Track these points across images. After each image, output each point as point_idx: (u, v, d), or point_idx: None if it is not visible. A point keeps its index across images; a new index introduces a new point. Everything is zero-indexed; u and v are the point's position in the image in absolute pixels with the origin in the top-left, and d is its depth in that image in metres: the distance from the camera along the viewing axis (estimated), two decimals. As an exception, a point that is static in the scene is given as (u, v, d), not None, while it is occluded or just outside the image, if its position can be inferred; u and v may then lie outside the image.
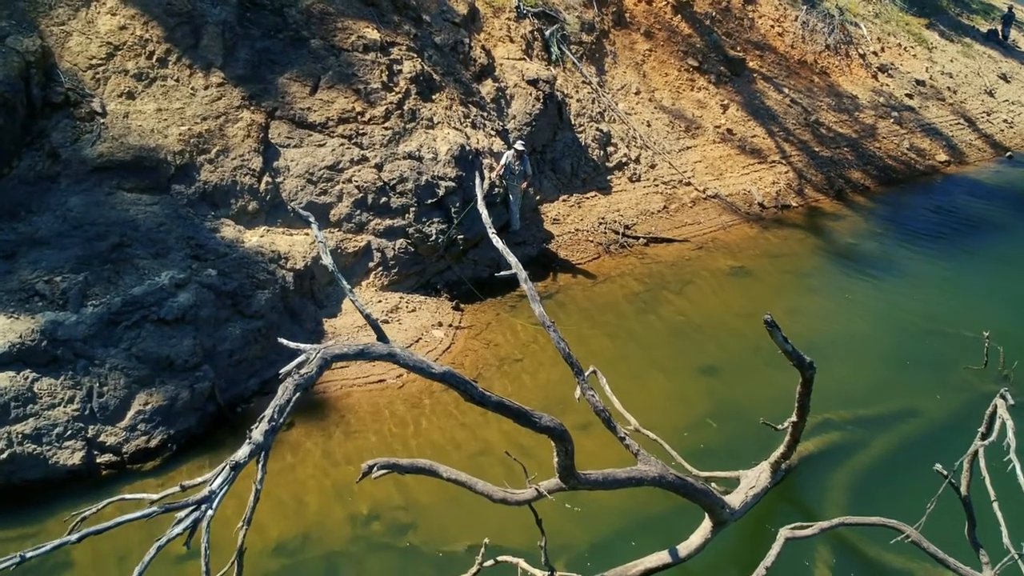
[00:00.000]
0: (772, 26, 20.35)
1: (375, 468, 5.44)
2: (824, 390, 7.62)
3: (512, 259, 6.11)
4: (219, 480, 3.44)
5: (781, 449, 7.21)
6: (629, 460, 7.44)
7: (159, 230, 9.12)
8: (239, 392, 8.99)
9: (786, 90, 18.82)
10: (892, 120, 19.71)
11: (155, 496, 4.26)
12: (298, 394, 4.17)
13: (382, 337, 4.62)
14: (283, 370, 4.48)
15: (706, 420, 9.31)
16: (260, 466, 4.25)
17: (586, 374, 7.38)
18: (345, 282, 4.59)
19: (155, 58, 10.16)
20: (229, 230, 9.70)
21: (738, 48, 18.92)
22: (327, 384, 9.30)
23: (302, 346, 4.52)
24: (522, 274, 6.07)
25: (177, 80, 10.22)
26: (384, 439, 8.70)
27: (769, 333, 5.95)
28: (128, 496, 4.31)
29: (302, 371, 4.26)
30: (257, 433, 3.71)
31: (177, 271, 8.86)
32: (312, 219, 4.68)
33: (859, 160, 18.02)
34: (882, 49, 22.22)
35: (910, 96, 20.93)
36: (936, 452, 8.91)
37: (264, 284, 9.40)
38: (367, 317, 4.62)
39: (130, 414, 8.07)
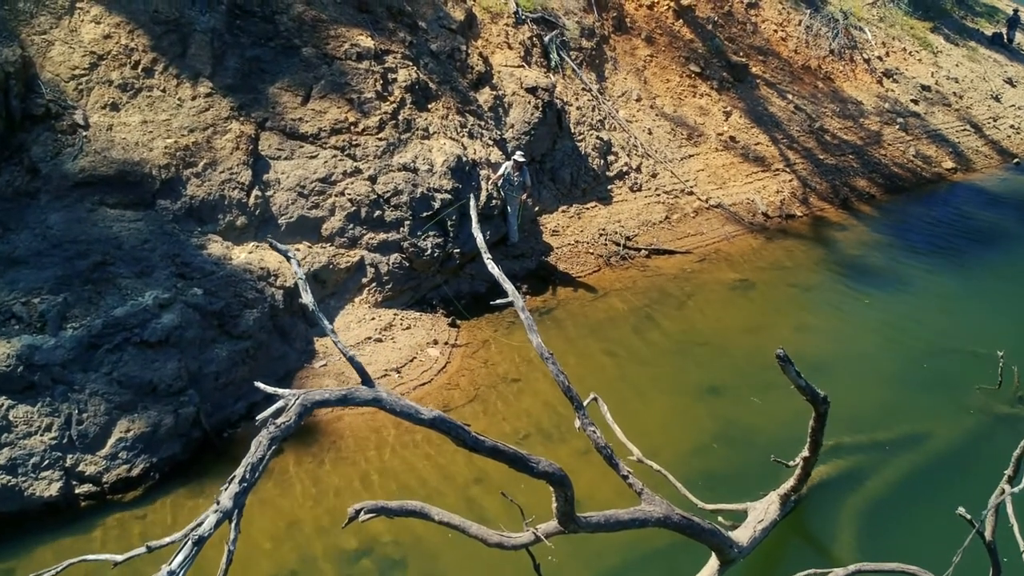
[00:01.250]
0: (775, 31, 20.02)
1: (362, 512, 5.10)
2: (834, 413, 7.29)
3: (508, 286, 5.78)
4: (179, 559, 3.09)
5: (791, 482, 6.88)
6: (637, 471, 7.13)
7: (143, 248, 8.78)
8: (226, 416, 8.66)
9: (790, 96, 18.49)
10: (898, 127, 19.37)
11: (119, 558, 3.91)
12: (275, 447, 3.83)
13: (366, 380, 4.27)
14: (259, 417, 4.15)
15: (711, 444, 8.97)
16: (233, 525, 3.91)
17: (586, 402, 7.06)
18: (325, 320, 4.25)
19: (141, 68, 9.82)
20: (216, 246, 9.37)
21: (741, 53, 18.59)
22: (317, 407, 8.95)
23: (280, 391, 4.18)
24: (519, 302, 5.73)
25: (163, 90, 9.88)
26: (376, 466, 8.36)
27: (781, 368, 5.61)
28: (91, 557, 3.97)
29: (279, 421, 3.92)
30: (225, 498, 3.38)
31: (161, 291, 8.53)
32: (291, 253, 4.34)
33: (864, 168, 17.68)
34: (887, 54, 21.89)
35: (916, 102, 20.60)
36: (951, 480, 8.62)
37: (252, 303, 9.06)
38: (350, 359, 4.27)
39: (111, 442, 7.74)
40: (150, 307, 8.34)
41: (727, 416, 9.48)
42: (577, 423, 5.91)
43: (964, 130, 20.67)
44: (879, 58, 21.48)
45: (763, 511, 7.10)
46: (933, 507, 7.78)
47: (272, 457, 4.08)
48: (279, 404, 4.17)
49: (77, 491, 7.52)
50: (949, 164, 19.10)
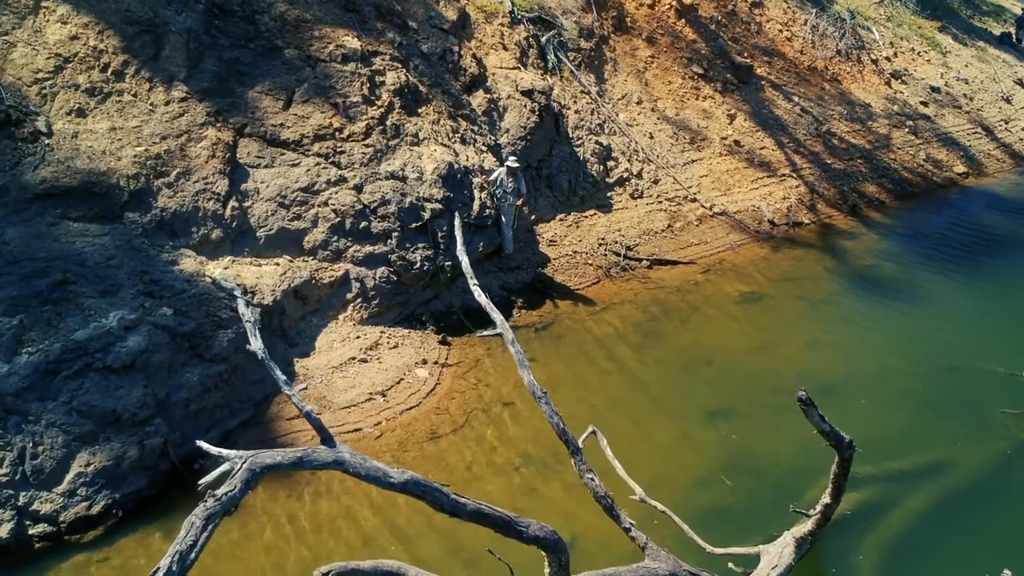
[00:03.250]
0: (780, 31, 19.40)
1: (330, 575, 4.51)
2: (850, 439, 6.74)
3: (497, 316, 5.18)
4: None
5: (809, 526, 6.28)
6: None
7: (108, 264, 8.17)
8: (197, 446, 8.02)
9: (796, 98, 17.88)
10: (907, 130, 18.76)
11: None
12: (212, 527, 3.23)
13: (326, 438, 3.67)
14: (202, 481, 3.56)
15: (718, 475, 8.36)
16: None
17: (585, 436, 6.48)
18: (279, 372, 3.65)
19: (110, 71, 9.22)
20: (189, 262, 8.76)
21: (745, 54, 17.98)
22: (295, 435, 8.36)
23: (224, 453, 3.59)
24: (508, 335, 5.14)
25: (134, 95, 9.27)
26: (358, 501, 7.74)
27: (803, 412, 5.02)
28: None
29: (219, 492, 3.32)
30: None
31: (127, 311, 7.92)
32: (238, 292, 3.75)
33: (873, 173, 17.07)
34: (895, 54, 21.27)
35: (925, 104, 19.98)
36: (977, 516, 8.02)
37: (227, 323, 8.46)
38: (307, 415, 3.69)
39: (69, 477, 7.14)
40: (114, 329, 7.74)
41: (735, 443, 8.88)
42: (575, 467, 5.32)
43: (975, 133, 20.05)
44: (887, 59, 20.86)
45: (777, 555, 6.50)
46: (958, 546, 7.19)
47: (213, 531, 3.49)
48: (224, 468, 3.59)
49: (31, 532, 6.91)
50: (960, 168, 18.48)
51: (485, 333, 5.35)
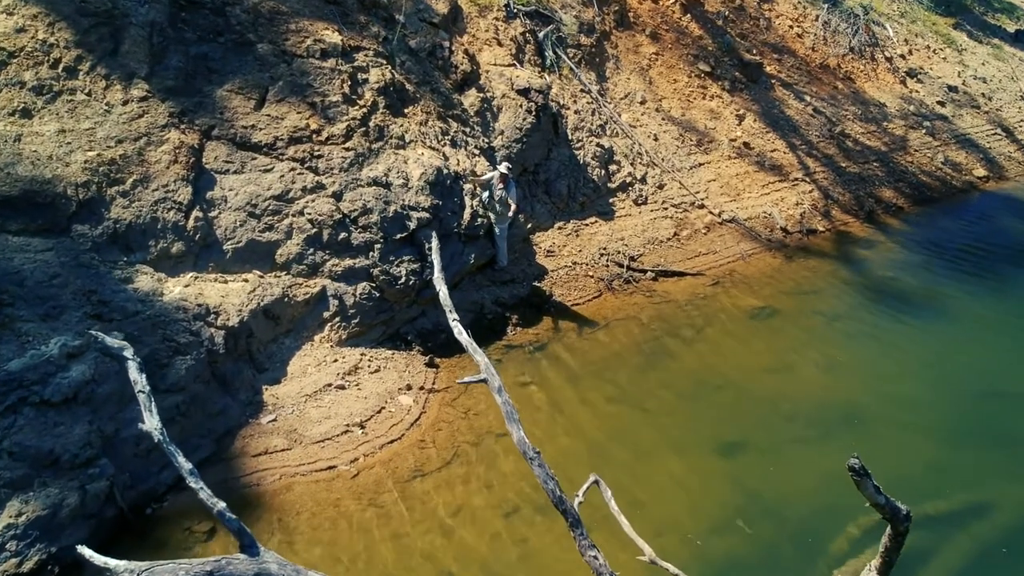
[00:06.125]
0: (791, 26, 18.51)
1: None
2: (875, 477, 5.91)
3: (482, 360, 4.34)
4: None
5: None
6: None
7: (51, 284, 7.30)
8: (149, 489, 7.18)
9: (808, 98, 16.98)
10: (924, 131, 17.86)
11: None
12: None
13: (248, 543, 2.80)
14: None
15: (733, 520, 7.51)
16: None
17: (586, 487, 5.62)
18: (182, 459, 2.79)
19: (61, 67, 8.35)
20: (145, 280, 7.89)
21: (754, 51, 17.08)
22: (262, 474, 7.50)
23: (111, 563, 2.74)
24: (495, 382, 4.29)
25: (88, 94, 8.40)
26: (330, 551, 6.89)
27: (856, 484, 4.16)
28: None
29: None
30: None
31: (71, 336, 7.04)
32: (128, 352, 2.87)
33: (890, 176, 16.18)
34: (910, 52, 20.37)
35: (942, 103, 19.08)
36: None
37: (185, 348, 7.59)
38: (221, 516, 2.80)
39: (-3, 529, 6.26)
40: (55, 357, 6.86)
41: (751, 481, 8.01)
42: (575, 542, 4.46)
43: (995, 134, 19.15)
44: (902, 56, 19.96)
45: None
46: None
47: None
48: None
49: (-49, 593, 6.05)
50: (980, 172, 17.58)
51: (467, 380, 4.48)
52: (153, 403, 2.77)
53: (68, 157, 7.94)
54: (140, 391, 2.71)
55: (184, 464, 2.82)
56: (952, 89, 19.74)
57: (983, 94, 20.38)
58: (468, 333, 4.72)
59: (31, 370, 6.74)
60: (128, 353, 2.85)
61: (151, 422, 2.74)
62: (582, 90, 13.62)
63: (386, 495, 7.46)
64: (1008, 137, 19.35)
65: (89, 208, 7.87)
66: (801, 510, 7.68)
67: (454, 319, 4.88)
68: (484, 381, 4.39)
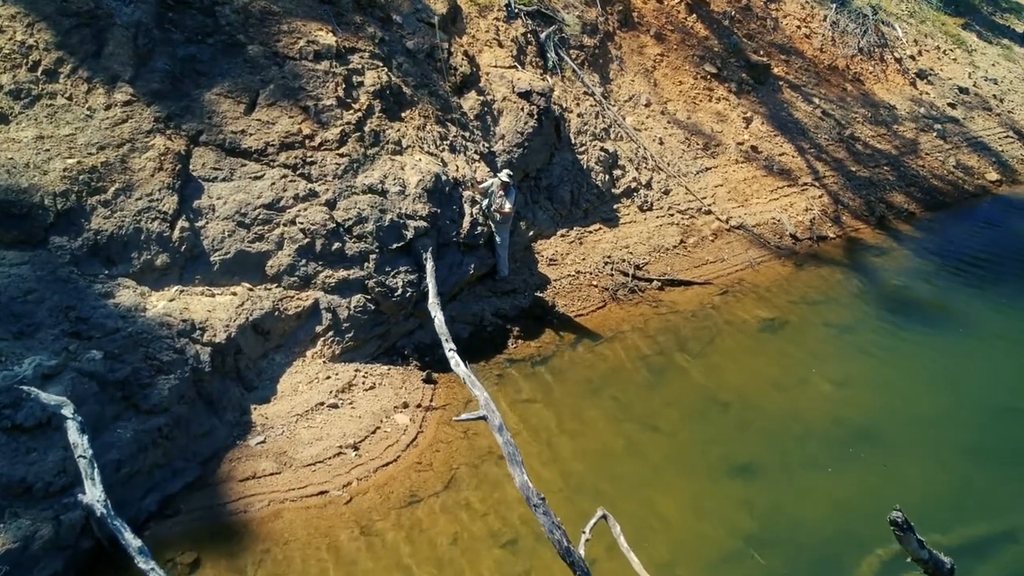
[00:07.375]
0: (798, 27, 18.10)
1: None
2: (890, 503, 5.55)
3: (481, 394, 3.99)
4: None
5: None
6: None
7: (26, 299, 6.91)
8: (130, 516, 6.73)
9: (816, 100, 16.58)
10: (935, 134, 17.46)
11: None
12: None
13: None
14: None
15: (746, 549, 7.12)
16: None
17: (593, 522, 5.24)
18: (130, 534, 2.40)
19: (41, 70, 7.97)
20: (127, 294, 7.50)
21: (761, 52, 16.68)
22: (249, 500, 7.11)
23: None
24: (495, 420, 3.96)
25: (69, 98, 8.02)
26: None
27: (899, 539, 3.79)
28: None
29: None
30: None
31: (47, 356, 6.66)
32: (67, 411, 2.49)
33: (901, 181, 15.78)
34: (919, 52, 19.96)
35: (953, 106, 18.67)
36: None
37: (169, 367, 7.20)
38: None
39: (-37, 564, 5.87)
40: (29, 378, 6.45)
41: (763, 506, 7.63)
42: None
43: (1007, 137, 18.74)
44: (911, 57, 19.55)
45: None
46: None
47: None
48: None
49: (-86, 633, 5.67)
50: (993, 176, 17.18)
51: (465, 417, 4.10)
52: (96, 470, 2.41)
53: (46, 165, 7.56)
54: (80, 456, 2.35)
55: (134, 541, 2.45)
56: (963, 91, 19.33)
57: (994, 96, 19.98)
58: (465, 363, 4.35)
59: (3, 393, 6.33)
60: (67, 411, 2.49)
61: (92, 492, 2.37)
62: (585, 92, 13.23)
63: (378, 523, 7.07)
64: (1020, 140, 18.94)
65: (68, 219, 7.48)
66: (815, 537, 7.31)
67: (451, 349, 4.53)
68: (483, 418, 4.01)
